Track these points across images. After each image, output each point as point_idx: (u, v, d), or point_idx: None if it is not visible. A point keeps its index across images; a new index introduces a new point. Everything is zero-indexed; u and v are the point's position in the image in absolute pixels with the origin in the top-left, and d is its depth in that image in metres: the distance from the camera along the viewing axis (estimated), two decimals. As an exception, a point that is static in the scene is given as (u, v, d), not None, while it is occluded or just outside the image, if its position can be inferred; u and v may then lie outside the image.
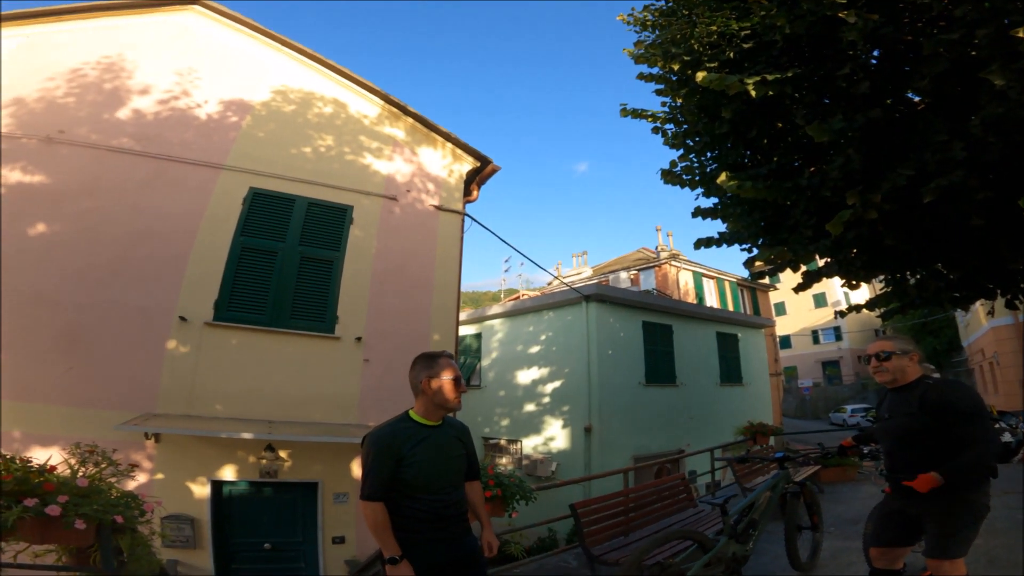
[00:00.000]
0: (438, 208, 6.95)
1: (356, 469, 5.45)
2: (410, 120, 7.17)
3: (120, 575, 2.53)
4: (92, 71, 5.62)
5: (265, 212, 5.81)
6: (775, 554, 3.79)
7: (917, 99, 4.08)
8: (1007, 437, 2.56)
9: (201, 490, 4.82)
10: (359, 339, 5.84)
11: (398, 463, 2.05)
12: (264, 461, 5.02)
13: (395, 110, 7.10)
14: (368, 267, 6.20)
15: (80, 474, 2.61)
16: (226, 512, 4.91)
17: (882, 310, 5.86)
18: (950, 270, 5.11)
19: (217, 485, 4.92)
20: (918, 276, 5.42)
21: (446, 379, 2.21)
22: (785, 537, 3.67)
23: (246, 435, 4.70)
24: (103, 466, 2.73)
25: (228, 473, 4.97)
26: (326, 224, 6.09)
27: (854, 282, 5.33)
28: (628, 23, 5.33)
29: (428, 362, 2.25)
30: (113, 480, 2.73)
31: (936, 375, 2.61)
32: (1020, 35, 2.71)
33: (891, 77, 3.89)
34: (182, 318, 5.15)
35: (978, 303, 6.76)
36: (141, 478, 4.49)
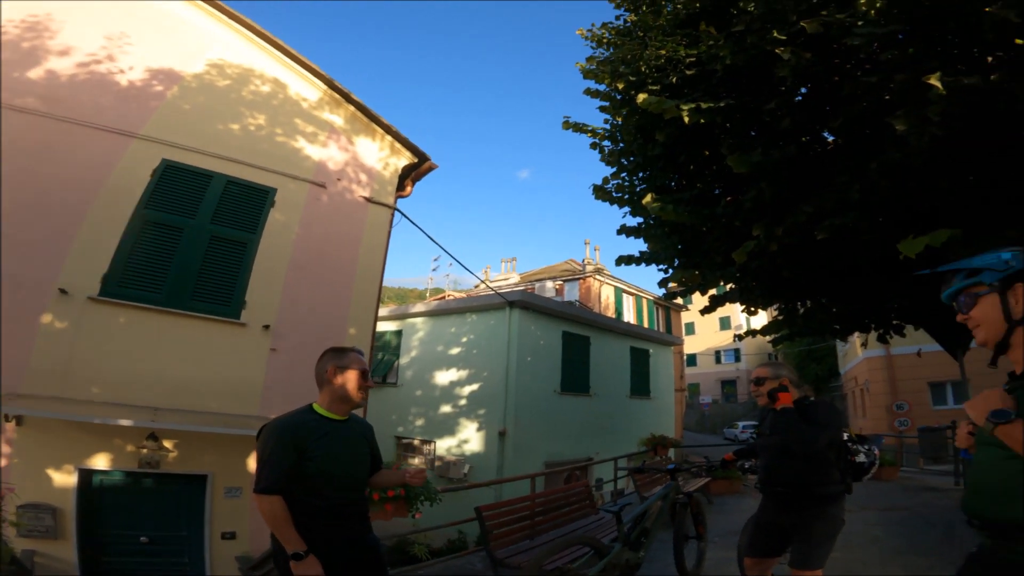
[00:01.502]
0: (368, 200, 6.74)
1: (252, 463, 5.12)
2: (351, 108, 6.93)
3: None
4: (14, 29, 5.00)
5: (177, 186, 5.36)
6: (667, 561, 3.97)
7: (831, 139, 4.44)
8: (861, 458, 2.86)
9: (67, 479, 4.36)
10: (267, 327, 5.50)
11: (300, 456, 1.95)
12: (145, 451, 4.59)
13: (337, 96, 6.84)
14: (286, 253, 5.88)
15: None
16: (96, 503, 4.50)
17: (774, 336, 6.41)
18: (834, 304, 5.69)
19: (86, 474, 4.47)
20: (807, 307, 5.99)
21: (352, 373, 2.14)
22: (673, 546, 3.84)
23: (124, 422, 4.29)
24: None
25: (101, 462, 4.52)
26: (244, 204, 5.71)
27: (753, 308, 5.80)
28: (586, 38, 5.47)
29: (337, 355, 2.19)
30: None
31: (812, 398, 2.88)
32: (931, 81, 2.86)
33: (812, 115, 4.15)
34: (62, 290, 4.59)
35: (855, 335, 7.58)
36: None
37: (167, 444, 4.75)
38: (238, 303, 5.41)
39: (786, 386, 2.77)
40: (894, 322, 5.93)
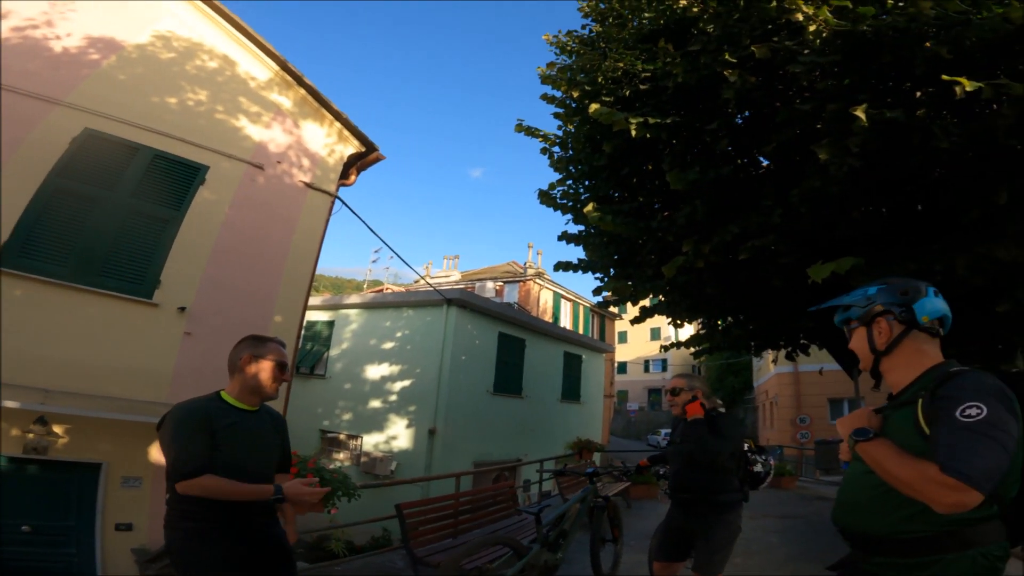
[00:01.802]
0: (308, 185, 6.48)
1: (155, 452, 4.78)
2: (302, 91, 6.66)
3: None
4: None
5: (97, 156, 4.94)
6: (585, 563, 4.06)
7: (765, 163, 4.69)
8: (758, 467, 3.08)
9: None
10: (183, 309, 5.15)
11: (211, 439, 1.86)
12: (31, 435, 4.17)
13: (289, 78, 6.55)
14: (212, 234, 5.54)
15: None
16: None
17: (695, 348, 6.77)
18: (750, 321, 6.08)
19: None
20: (726, 323, 6.36)
21: (268, 363, 2.06)
22: (590, 548, 3.95)
23: (9, 403, 3.88)
24: None
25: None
26: (171, 180, 5.34)
27: (679, 321, 6.09)
28: (551, 43, 5.51)
29: (255, 343, 2.11)
30: None
31: (722, 409, 3.07)
32: (857, 112, 2.99)
33: (750, 139, 4.32)
34: (-55, 255, 4.09)
35: (768, 352, 8.12)
36: None
37: (57, 429, 4.34)
38: (151, 282, 5.02)
39: (698, 397, 2.94)
40: (801, 341, 6.41)
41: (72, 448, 4.43)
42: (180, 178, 5.42)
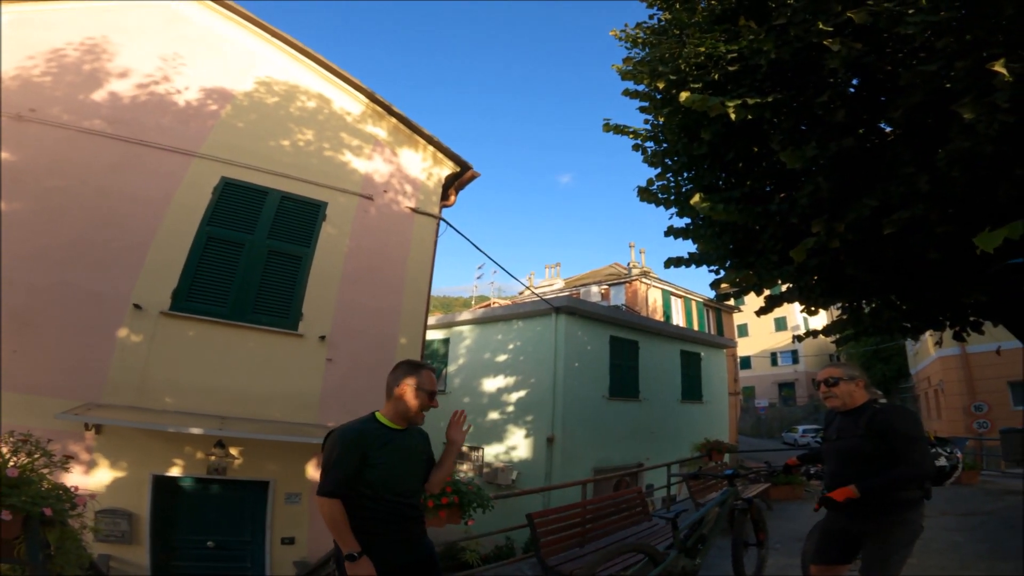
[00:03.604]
0: (414, 211, 6.89)
1: (311, 470, 5.30)
2: (393, 120, 7.11)
3: (45, 568, 2.39)
4: (74, 52, 5.42)
5: (236, 203, 5.65)
6: (724, 569, 3.87)
7: (889, 130, 4.22)
8: (942, 461, 2.67)
9: (142, 485, 4.61)
10: (323, 338, 5.71)
11: (363, 461, 2.03)
12: (213, 458, 4.84)
13: (379, 109, 7.04)
14: (339, 265, 6.09)
15: (11, 464, 2.45)
16: (168, 508, 4.72)
17: (837, 336, 6.08)
18: (904, 301, 5.34)
19: (160, 480, 4.72)
20: (873, 305, 5.64)
21: (419, 391, 2.22)
22: (732, 553, 3.73)
23: (195, 430, 4.52)
24: (36, 456, 2.58)
25: (173, 468, 4.78)
26: (298, 219, 5.96)
27: (813, 308, 5.52)
28: (620, 39, 5.40)
29: (410, 369, 2.26)
30: (46, 471, 2.58)
31: (883, 400, 2.71)
32: (996, 68, 2.73)
33: (867, 106, 3.97)
34: (136, 306, 4.93)
35: (927, 333, 7.10)
36: (78, 470, 4.27)
37: (233, 451, 4.98)
38: (296, 315, 5.64)
39: (860, 388, 2.64)
40: (971, 318, 5.50)
41: (245, 468, 5.04)
42: (306, 216, 6.02)
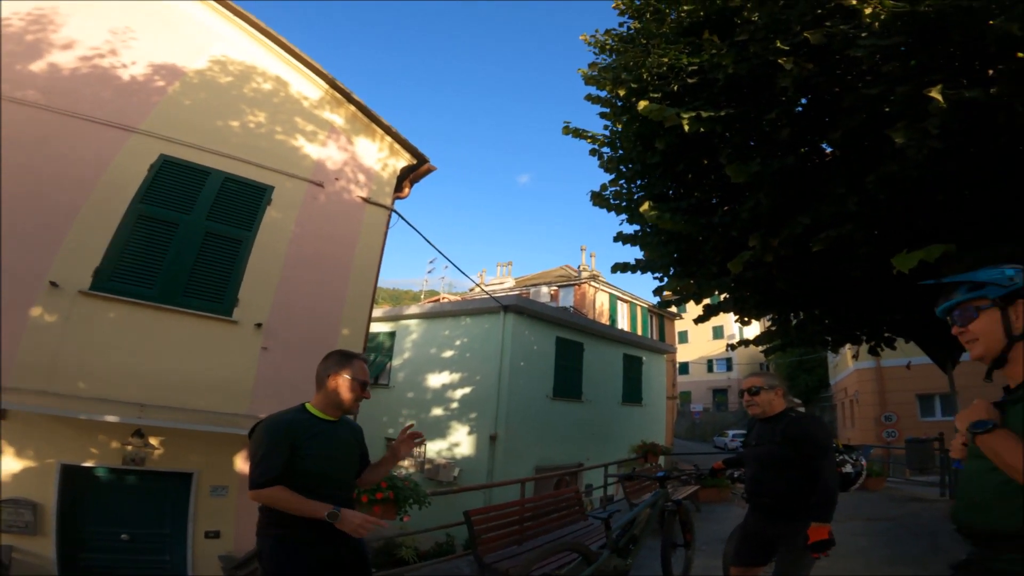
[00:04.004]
0: (366, 200, 6.72)
1: (240, 462, 5.08)
2: (352, 108, 6.92)
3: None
4: (19, 21, 4.97)
5: (173, 181, 5.33)
6: (654, 569, 3.98)
7: (829, 150, 4.45)
8: (848, 468, 2.88)
9: (48, 474, 4.29)
10: (259, 325, 5.46)
11: (293, 452, 1.96)
12: (130, 447, 4.54)
13: (338, 96, 6.83)
14: (282, 251, 5.85)
15: None
16: (77, 499, 4.43)
17: (766, 346, 6.44)
18: (827, 315, 5.72)
19: (69, 469, 4.40)
20: (799, 318, 6.02)
21: (352, 381, 2.15)
22: (661, 553, 3.84)
23: (110, 418, 4.24)
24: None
25: (85, 457, 4.46)
26: (241, 202, 5.68)
27: (746, 319, 5.82)
28: (589, 44, 5.47)
29: (342, 359, 2.19)
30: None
31: (801, 409, 2.88)
32: (932, 94, 2.86)
33: (811, 126, 4.17)
34: (53, 284, 4.54)
35: (847, 347, 7.61)
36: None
37: (153, 441, 4.70)
38: (231, 300, 5.36)
39: (780, 396, 2.78)
40: (885, 335, 5.97)
41: (166, 459, 4.76)
42: (250, 199, 5.74)
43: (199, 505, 4.85)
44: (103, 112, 5.14)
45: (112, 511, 4.59)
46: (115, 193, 5.00)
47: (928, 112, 2.98)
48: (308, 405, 2.15)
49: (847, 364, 21.44)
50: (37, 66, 4.98)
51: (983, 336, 1.41)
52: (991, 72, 3.23)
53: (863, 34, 3.33)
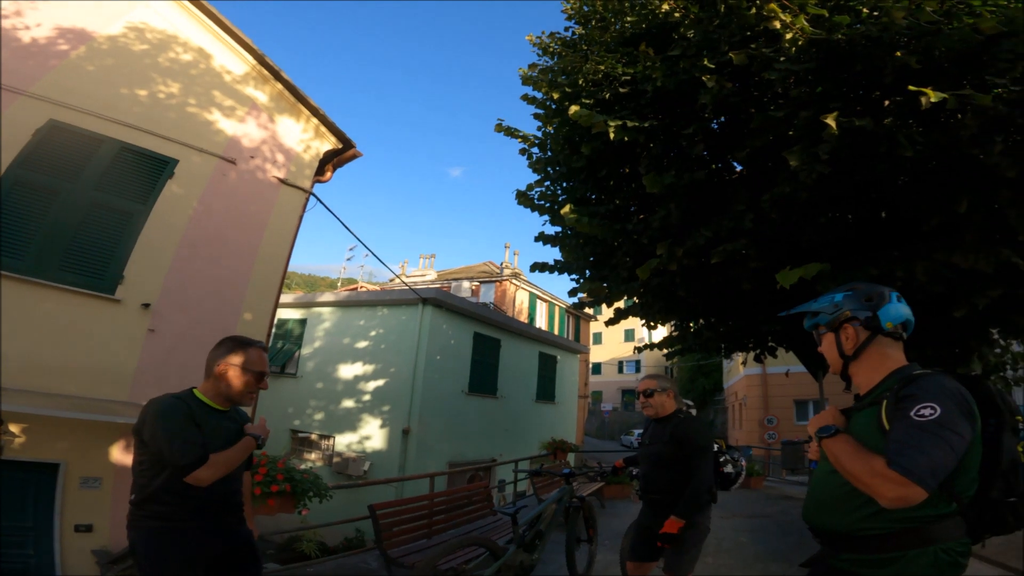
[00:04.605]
0: (282, 181, 6.35)
1: (116, 452, 4.62)
2: (279, 86, 6.54)
3: None
4: None
5: (61, 148, 4.77)
6: (560, 563, 4.06)
7: (739, 168, 4.76)
8: (729, 468, 3.13)
9: None
10: (147, 305, 4.98)
11: (200, 430, 1.85)
12: (-16, 436, 3.98)
13: (266, 72, 6.42)
14: (180, 228, 5.38)
15: None
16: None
17: (668, 350, 6.87)
18: (720, 323, 6.20)
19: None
20: (698, 325, 6.48)
21: (244, 372, 2.01)
22: (565, 548, 3.96)
23: (-40, 403, 3.68)
24: None
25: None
26: (137, 173, 5.18)
27: (652, 323, 6.17)
28: (534, 45, 5.51)
29: (235, 346, 2.04)
30: None
31: (692, 411, 3.11)
32: (827, 120, 3.06)
33: (724, 143, 4.38)
34: None
35: (737, 353, 8.28)
36: None
37: (14, 428, 4.15)
38: (114, 277, 4.85)
39: (671, 398, 2.98)
40: (769, 344, 6.57)
41: (29, 448, 4.25)
42: (147, 171, 5.26)
43: (67, 497, 4.39)
44: (-8, 75, 4.49)
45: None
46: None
47: (821, 137, 3.21)
48: (196, 391, 2.00)
49: (738, 370, 23.24)
50: None
51: (827, 356, 1.60)
52: (887, 103, 3.55)
53: (781, 58, 3.53)
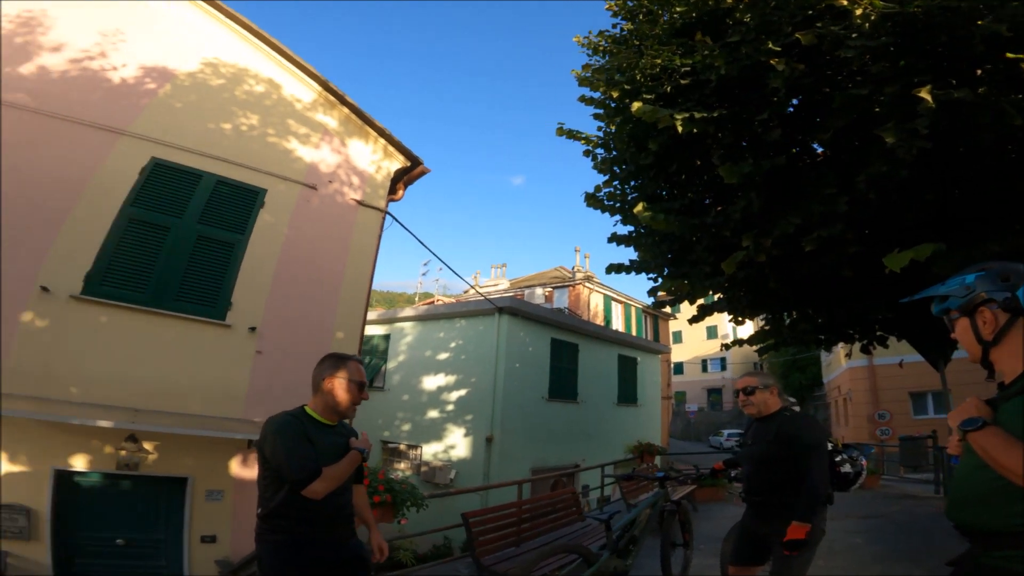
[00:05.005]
0: (359, 203, 6.70)
1: (235, 466, 5.05)
2: (345, 111, 6.90)
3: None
4: (8, 24, 4.92)
5: (165, 185, 5.29)
6: (650, 568, 3.98)
7: (820, 150, 4.48)
8: (847, 468, 2.88)
9: (42, 480, 4.26)
10: (253, 329, 5.43)
11: (313, 446, 1.96)
12: (124, 452, 4.50)
13: (331, 98, 6.81)
14: (275, 255, 5.82)
15: None
16: (71, 504, 4.39)
17: (760, 345, 6.47)
18: (819, 314, 5.76)
19: (62, 475, 4.37)
20: (792, 317, 6.05)
21: (348, 384, 2.14)
22: (660, 553, 3.86)
23: (103, 423, 4.20)
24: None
25: (78, 463, 4.42)
26: (233, 205, 5.65)
27: (740, 318, 5.85)
28: (582, 45, 5.48)
29: (336, 362, 2.18)
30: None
31: (796, 408, 2.90)
32: (921, 94, 2.89)
33: (802, 126, 4.19)
34: (44, 288, 4.50)
35: (839, 345, 7.66)
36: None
37: (147, 446, 4.66)
38: (224, 304, 5.33)
39: (775, 395, 2.80)
40: (877, 333, 6.01)
41: (160, 464, 4.73)
42: (242, 202, 5.71)
43: (195, 510, 4.81)
44: (93, 115, 5.09)
45: (107, 516, 4.56)
46: (105, 196, 4.96)
47: (917, 112, 3.00)
48: (307, 408, 2.14)
49: (840, 362, 21.56)
50: (26, 69, 4.93)
51: (962, 343, 1.44)
52: (979, 72, 3.26)
53: (853, 35, 3.35)
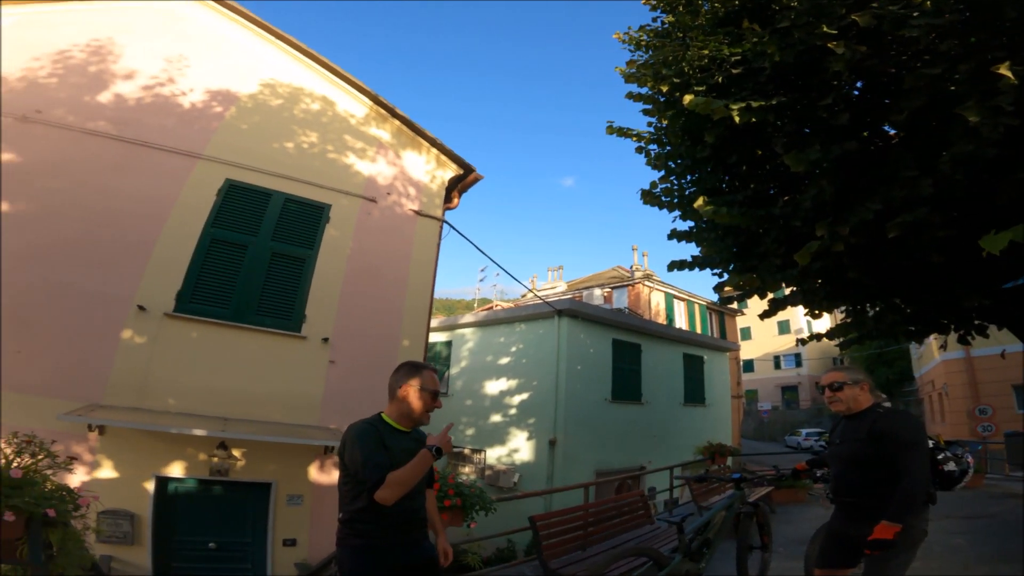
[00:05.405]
0: (417, 213, 6.90)
1: (314, 472, 5.31)
2: (397, 123, 7.13)
3: (47, 569, 2.40)
4: (79, 53, 5.45)
5: (239, 205, 5.68)
6: (724, 571, 3.85)
7: (892, 132, 4.20)
8: (951, 466, 2.65)
9: (145, 486, 4.63)
10: (326, 340, 5.72)
11: (388, 453, 2.04)
12: (215, 459, 4.84)
13: (383, 112, 7.06)
14: (341, 268, 6.10)
15: (15, 464, 2.47)
16: (170, 509, 4.73)
17: (841, 340, 6.05)
18: (907, 304, 5.31)
19: (162, 481, 4.73)
20: (877, 309, 5.62)
21: (422, 392, 2.21)
22: (736, 556, 3.73)
23: (198, 431, 4.53)
24: (40, 457, 2.59)
25: (176, 469, 4.79)
26: (301, 221, 5.98)
27: (817, 312, 5.50)
28: (623, 42, 5.38)
29: (410, 371, 2.25)
30: (50, 472, 2.59)
31: (887, 404, 2.70)
32: (1001, 71, 2.73)
33: (870, 109, 3.95)
34: (140, 307, 4.95)
35: (931, 337, 7.06)
36: (81, 471, 4.30)
37: (236, 453, 4.99)
38: (299, 317, 5.65)
39: (865, 391, 2.63)
40: (975, 322, 5.47)
41: (247, 470, 5.04)
42: (310, 218, 6.04)
43: (277, 514, 5.07)
44: (169, 139, 5.53)
45: (201, 520, 4.85)
46: (189, 218, 5.37)
47: (998, 89, 2.83)
48: (384, 415, 2.22)
49: (933, 355, 19.88)
50: (104, 97, 5.41)
51: None
52: None
53: (914, 14, 3.18)
